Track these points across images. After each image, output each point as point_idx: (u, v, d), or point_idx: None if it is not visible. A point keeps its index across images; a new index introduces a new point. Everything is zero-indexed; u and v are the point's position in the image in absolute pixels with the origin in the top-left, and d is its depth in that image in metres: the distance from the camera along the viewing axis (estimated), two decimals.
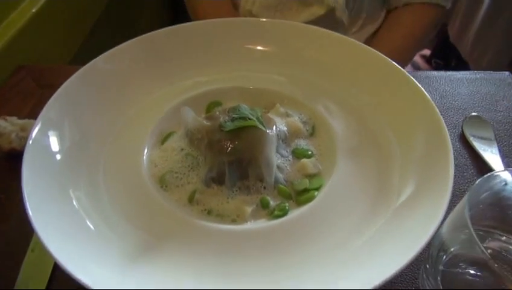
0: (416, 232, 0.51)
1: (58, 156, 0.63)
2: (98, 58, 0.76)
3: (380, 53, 0.78)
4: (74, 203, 0.59)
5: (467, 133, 0.82)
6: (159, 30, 0.82)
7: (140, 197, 0.63)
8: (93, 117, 0.70)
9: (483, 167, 0.76)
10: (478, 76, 0.96)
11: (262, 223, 0.62)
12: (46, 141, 0.64)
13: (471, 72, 0.97)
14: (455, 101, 0.90)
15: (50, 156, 0.63)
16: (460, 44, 2.02)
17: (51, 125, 0.65)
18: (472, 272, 0.54)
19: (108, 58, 0.77)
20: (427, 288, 0.55)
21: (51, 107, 0.66)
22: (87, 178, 0.63)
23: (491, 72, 0.97)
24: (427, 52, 2.21)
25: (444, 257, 0.55)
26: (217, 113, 0.71)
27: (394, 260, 0.48)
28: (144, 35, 0.81)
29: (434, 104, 0.67)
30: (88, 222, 0.57)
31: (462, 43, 2.02)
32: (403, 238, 0.52)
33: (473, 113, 0.86)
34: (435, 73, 0.97)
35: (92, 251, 0.53)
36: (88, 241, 0.54)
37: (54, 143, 0.64)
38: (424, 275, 0.56)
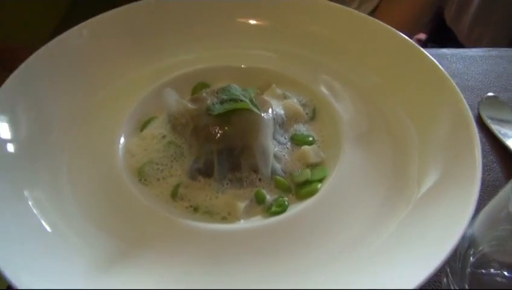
0: (444, 229, 0.43)
1: (12, 148, 0.54)
2: (64, 33, 0.66)
3: (388, 26, 0.69)
4: (30, 204, 0.49)
5: (484, 115, 0.74)
6: (137, 2, 0.72)
7: (114, 194, 0.54)
8: (57, 101, 0.60)
9: (504, 153, 0.68)
10: (492, 53, 0.88)
11: (257, 221, 0.53)
12: None
13: (485, 49, 0.89)
14: (469, 81, 0.82)
15: (2, 148, 0.53)
16: (457, 27, 1.96)
17: (4, 111, 0.56)
18: (506, 274, 0.46)
19: (77, 33, 0.67)
20: (455, 286, 0.47)
21: (6, 91, 0.56)
22: (48, 174, 0.53)
23: (507, 48, 0.88)
24: (422, 36, 2.15)
25: (472, 256, 0.48)
26: (204, 95, 0.62)
27: (420, 264, 0.40)
28: (119, 8, 0.71)
29: (453, 82, 0.59)
30: (47, 227, 0.48)
31: (459, 26, 1.96)
32: (429, 238, 0.44)
33: (489, 94, 0.78)
34: (445, 50, 0.89)
35: (51, 263, 0.44)
36: (47, 251, 0.45)
37: (7, 133, 0.54)
38: (450, 275, 0.48)
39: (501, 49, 0.89)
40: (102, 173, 0.55)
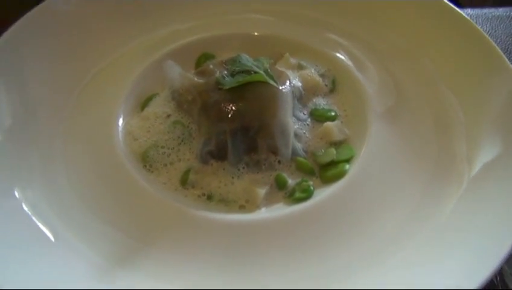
0: (504, 216, 0.37)
1: None
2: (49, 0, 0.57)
3: None
4: (23, 204, 0.43)
5: None
6: None
7: (116, 184, 0.48)
8: (44, 80, 0.53)
9: None
10: None
11: (280, 210, 0.48)
12: None
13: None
14: (498, 44, 0.74)
15: None
16: None
17: None
18: None
19: (62, 2, 0.58)
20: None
21: None
22: (39, 166, 0.47)
23: None
24: None
25: None
26: (211, 66, 0.55)
27: (478, 261, 0.35)
28: None
29: (493, 42, 0.52)
30: (44, 229, 0.41)
31: None
32: (487, 228, 0.38)
33: None
34: (468, 10, 0.81)
35: (49, 269, 0.38)
36: (44, 256, 0.39)
37: None
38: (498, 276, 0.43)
39: None
40: (102, 160, 0.49)
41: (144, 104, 0.57)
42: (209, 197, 0.49)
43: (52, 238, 0.41)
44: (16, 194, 0.44)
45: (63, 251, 0.40)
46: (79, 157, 0.49)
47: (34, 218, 0.42)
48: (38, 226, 0.42)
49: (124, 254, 0.41)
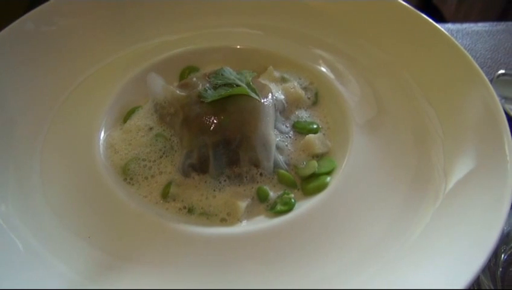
0: (481, 225, 0.38)
1: None
2: (31, 12, 0.57)
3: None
4: None
5: (496, 95, 0.68)
6: None
7: (95, 197, 0.47)
8: (25, 91, 0.52)
9: None
10: (499, 28, 0.82)
11: (261, 223, 0.47)
12: None
13: (492, 23, 0.83)
14: (476, 58, 0.77)
15: None
16: (443, 5, 1.93)
17: None
18: None
19: (46, 11, 0.58)
20: (485, 286, 0.42)
21: None
22: (16, 180, 0.46)
23: None
24: None
25: (504, 253, 0.43)
26: (194, 79, 0.55)
27: (460, 264, 0.35)
28: None
29: (471, 58, 0.53)
30: (17, 243, 0.40)
31: (446, 4, 1.92)
32: (466, 235, 0.38)
33: (500, 71, 0.72)
34: (449, 25, 0.83)
35: (22, 284, 0.37)
36: (17, 271, 0.38)
37: None
38: (481, 274, 0.43)
39: (508, 22, 0.84)
40: (82, 173, 0.48)
41: (127, 116, 0.56)
42: (190, 211, 0.49)
43: (25, 253, 0.40)
44: None
45: (36, 266, 0.39)
46: (57, 170, 0.48)
47: (7, 232, 0.41)
48: (12, 240, 0.41)
49: (101, 269, 0.40)
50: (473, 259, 0.36)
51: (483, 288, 0.43)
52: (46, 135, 0.50)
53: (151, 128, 0.54)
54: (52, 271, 0.39)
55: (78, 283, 0.38)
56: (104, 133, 0.53)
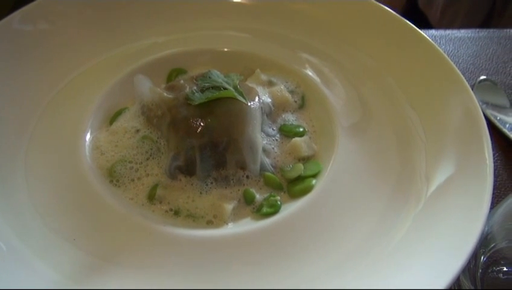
0: (461, 228, 0.39)
1: None
2: (17, 12, 0.57)
3: (380, 4, 0.64)
4: None
5: (478, 100, 0.70)
6: None
7: (80, 199, 0.46)
8: (7, 91, 0.52)
9: (501, 139, 0.64)
10: (482, 34, 0.84)
11: (247, 225, 0.48)
12: None
13: (474, 30, 0.85)
14: (460, 64, 0.78)
15: None
16: (429, 11, 1.96)
17: None
18: None
19: (31, 12, 0.58)
20: (465, 288, 0.44)
21: None
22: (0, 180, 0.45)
23: (495, 29, 0.85)
24: None
25: (484, 255, 0.44)
26: (182, 82, 0.55)
27: (441, 265, 0.36)
28: None
29: (453, 64, 0.54)
30: (4, 248, 0.40)
31: (431, 10, 1.96)
32: (446, 237, 0.39)
33: (482, 77, 0.74)
34: (433, 32, 0.85)
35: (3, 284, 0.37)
36: (6, 281, 0.38)
37: None
38: (461, 275, 0.44)
39: (490, 30, 0.86)
40: (67, 175, 0.48)
41: (113, 118, 0.56)
42: (177, 213, 0.49)
43: (6, 253, 0.40)
44: None
45: (20, 267, 0.39)
46: (42, 171, 0.47)
47: None
48: None
49: (86, 273, 0.40)
50: (454, 260, 0.37)
51: (463, 289, 0.44)
52: (31, 135, 0.50)
53: (137, 130, 0.54)
54: (36, 272, 0.39)
55: (63, 284, 0.38)
56: (90, 134, 0.53)
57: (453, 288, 0.45)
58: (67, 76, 0.56)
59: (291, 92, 0.61)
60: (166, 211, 0.49)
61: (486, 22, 1.75)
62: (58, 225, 0.43)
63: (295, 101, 0.60)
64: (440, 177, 0.45)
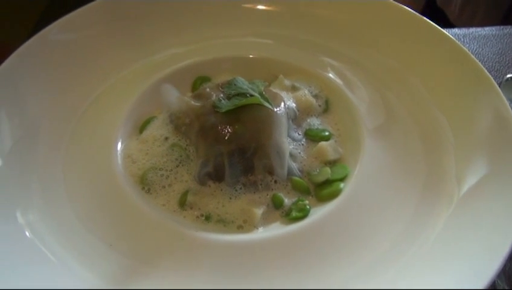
0: (497, 229, 0.38)
1: None
2: (48, 27, 0.59)
3: (400, 4, 0.63)
4: (26, 231, 0.43)
5: (506, 99, 0.69)
6: None
7: (115, 206, 0.48)
8: (44, 105, 0.54)
9: None
10: (506, 31, 0.83)
11: (277, 229, 0.48)
12: None
13: (498, 27, 0.84)
14: (484, 62, 0.77)
15: None
16: (447, 7, 1.94)
17: None
18: None
19: (62, 27, 0.60)
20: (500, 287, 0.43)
21: None
22: (40, 190, 0.47)
23: None
24: None
25: None
26: (207, 90, 0.56)
27: (475, 269, 0.36)
28: None
29: (479, 63, 0.54)
30: (44, 250, 0.42)
31: (450, 7, 1.93)
32: (480, 240, 0.39)
33: (509, 75, 0.73)
34: (456, 30, 0.84)
35: None
36: (44, 278, 0.40)
37: None
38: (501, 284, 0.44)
39: None
40: (102, 183, 0.50)
41: (142, 127, 0.57)
42: (207, 218, 0.50)
43: (53, 260, 0.41)
44: (18, 218, 0.44)
45: (62, 273, 0.40)
46: (78, 181, 0.49)
47: (35, 241, 0.42)
48: (39, 248, 0.42)
49: (123, 276, 0.42)
50: (489, 262, 0.36)
51: (499, 289, 0.43)
52: (67, 147, 0.52)
53: (166, 138, 0.55)
54: (76, 276, 0.40)
55: (99, 285, 0.40)
56: (121, 143, 0.55)
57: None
58: (97, 87, 0.58)
59: (315, 96, 0.61)
60: (198, 217, 0.50)
61: (506, 17, 1.71)
62: (96, 231, 0.45)
63: (319, 105, 0.60)
64: (472, 178, 0.45)
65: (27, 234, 0.43)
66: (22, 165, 0.49)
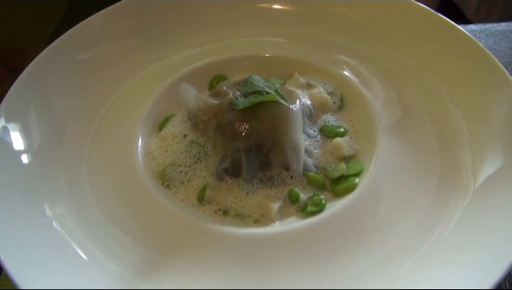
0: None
1: (26, 159, 0.50)
2: (70, 30, 0.61)
3: (416, 2, 0.64)
4: (51, 218, 0.45)
5: None
6: None
7: (137, 200, 0.50)
8: (69, 104, 0.56)
9: None
10: None
11: (293, 223, 0.49)
12: (9, 139, 0.50)
13: None
14: (501, 58, 0.76)
15: (15, 158, 0.50)
16: (464, 4, 1.91)
17: (14, 118, 0.52)
18: None
19: (83, 30, 0.62)
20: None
21: (14, 96, 0.52)
22: (66, 184, 0.50)
23: None
24: None
25: None
26: (224, 88, 0.57)
27: (491, 263, 0.36)
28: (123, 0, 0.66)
29: (495, 59, 0.54)
30: (71, 242, 0.44)
31: (467, 3, 1.91)
32: (497, 233, 0.39)
33: None
34: (472, 26, 0.83)
35: (78, 282, 0.41)
36: (76, 274, 0.42)
37: (19, 141, 0.51)
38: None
39: None
40: (123, 179, 0.52)
41: (162, 125, 0.59)
42: (225, 213, 0.51)
43: (82, 254, 0.43)
44: (46, 211, 0.47)
45: (91, 265, 0.42)
46: (102, 177, 0.51)
47: (63, 234, 0.45)
48: (66, 240, 0.44)
49: (146, 267, 0.44)
50: (505, 255, 0.37)
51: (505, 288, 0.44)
52: (91, 144, 0.54)
53: (185, 136, 0.57)
54: (105, 269, 0.42)
55: (126, 278, 0.42)
56: (142, 141, 0.57)
57: (504, 288, 0.44)
58: (119, 89, 0.60)
59: (330, 93, 0.62)
60: (216, 211, 0.51)
61: None
62: (120, 225, 0.47)
63: (334, 102, 0.61)
64: (487, 172, 0.45)
65: (55, 226, 0.45)
66: (49, 161, 0.51)
